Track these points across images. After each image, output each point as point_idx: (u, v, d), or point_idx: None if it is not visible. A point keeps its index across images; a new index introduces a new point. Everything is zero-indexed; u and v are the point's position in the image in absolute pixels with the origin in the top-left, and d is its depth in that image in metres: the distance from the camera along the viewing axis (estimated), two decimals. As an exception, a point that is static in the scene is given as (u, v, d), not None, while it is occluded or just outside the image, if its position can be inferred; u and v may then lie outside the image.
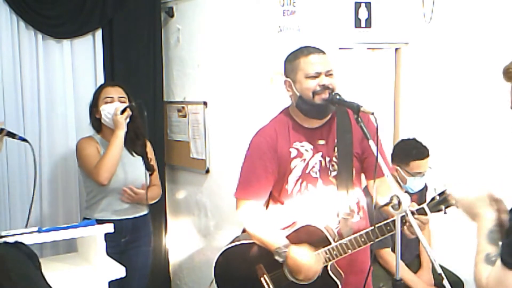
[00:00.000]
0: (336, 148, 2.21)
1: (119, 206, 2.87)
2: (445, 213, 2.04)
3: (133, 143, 2.93)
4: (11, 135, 2.65)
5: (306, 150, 2.20)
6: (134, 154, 2.94)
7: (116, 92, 2.89)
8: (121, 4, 3.45)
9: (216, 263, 2.31)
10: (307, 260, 2.08)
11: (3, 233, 2.21)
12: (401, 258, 2.94)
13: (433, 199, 2.05)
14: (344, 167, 2.20)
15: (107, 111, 2.83)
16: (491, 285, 1.33)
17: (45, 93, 3.28)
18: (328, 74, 2.12)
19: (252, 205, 2.21)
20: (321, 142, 2.21)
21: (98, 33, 3.44)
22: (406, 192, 2.94)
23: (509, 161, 3.08)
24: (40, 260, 1.20)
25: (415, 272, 3.11)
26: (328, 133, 2.22)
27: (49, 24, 3.28)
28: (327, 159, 2.21)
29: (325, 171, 2.21)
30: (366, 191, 2.43)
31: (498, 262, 1.31)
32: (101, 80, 3.45)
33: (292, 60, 2.18)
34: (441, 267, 3.02)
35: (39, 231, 2.28)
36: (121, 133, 2.78)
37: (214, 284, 2.33)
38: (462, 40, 3.31)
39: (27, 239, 2.24)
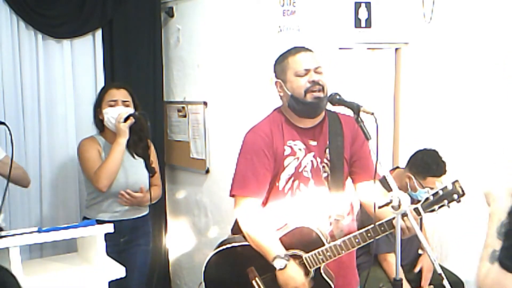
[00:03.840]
0: (327, 150, 2.22)
1: (119, 208, 2.86)
2: (436, 213, 2.05)
3: (135, 145, 2.90)
4: None
5: (299, 149, 2.20)
6: (136, 156, 2.91)
7: (120, 95, 2.85)
8: (121, 4, 3.45)
9: (205, 265, 2.26)
10: (299, 282, 2.06)
11: (3, 233, 2.21)
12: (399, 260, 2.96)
13: (427, 199, 2.05)
14: (336, 168, 2.21)
15: (110, 115, 2.80)
16: (488, 285, 1.33)
17: (45, 93, 3.28)
18: (317, 71, 2.14)
19: (251, 203, 2.17)
20: (313, 142, 2.22)
21: (98, 33, 3.44)
22: (410, 197, 2.94)
23: (509, 160, 3.08)
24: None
25: (413, 272, 3.11)
26: (320, 134, 2.23)
27: (49, 24, 3.28)
28: (318, 160, 2.21)
29: (317, 172, 2.21)
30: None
31: (497, 263, 1.31)
32: (101, 80, 3.45)
33: (281, 61, 2.22)
34: (441, 267, 3.02)
35: (39, 231, 2.28)
36: (122, 140, 2.75)
37: (203, 286, 2.29)
38: (462, 40, 3.31)
39: (27, 239, 2.25)
